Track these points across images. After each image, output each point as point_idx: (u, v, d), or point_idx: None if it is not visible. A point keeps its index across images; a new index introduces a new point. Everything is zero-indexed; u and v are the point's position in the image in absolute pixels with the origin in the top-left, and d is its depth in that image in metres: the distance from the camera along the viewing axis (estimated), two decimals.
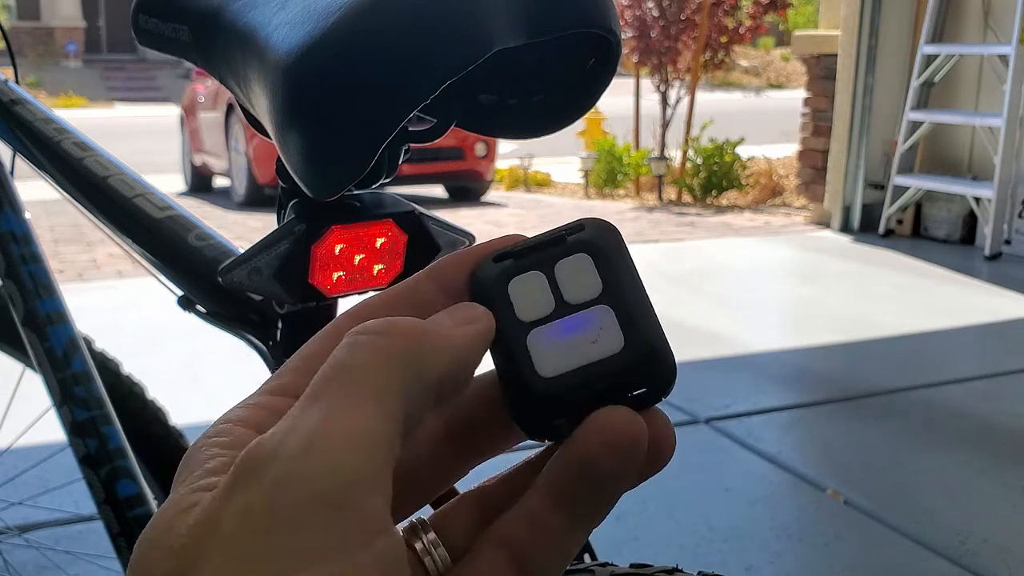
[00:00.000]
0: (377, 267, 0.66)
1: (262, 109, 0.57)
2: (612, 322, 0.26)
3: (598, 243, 0.27)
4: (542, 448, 0.27)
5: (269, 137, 0.58)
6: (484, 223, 5.57)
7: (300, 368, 0.25)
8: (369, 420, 0.21)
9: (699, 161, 7.14)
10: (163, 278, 0.83)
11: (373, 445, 0.21)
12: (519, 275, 0.26)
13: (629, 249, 0.27)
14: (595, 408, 0.24)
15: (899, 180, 4.74)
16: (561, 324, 0.26)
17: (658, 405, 0.26)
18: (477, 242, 0.75)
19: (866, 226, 4.97)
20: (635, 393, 0.25)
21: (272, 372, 0.76)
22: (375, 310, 0.26)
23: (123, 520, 0.86)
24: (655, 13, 8.16)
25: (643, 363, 0.25)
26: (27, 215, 0.94)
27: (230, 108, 7.16)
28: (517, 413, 0.26)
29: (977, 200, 4.51)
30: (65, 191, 0.89)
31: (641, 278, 0.27)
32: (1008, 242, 4.45)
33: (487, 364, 0.27)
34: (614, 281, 0.26)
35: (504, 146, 9.36)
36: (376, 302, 0.26)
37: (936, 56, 4.66)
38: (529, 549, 0.24)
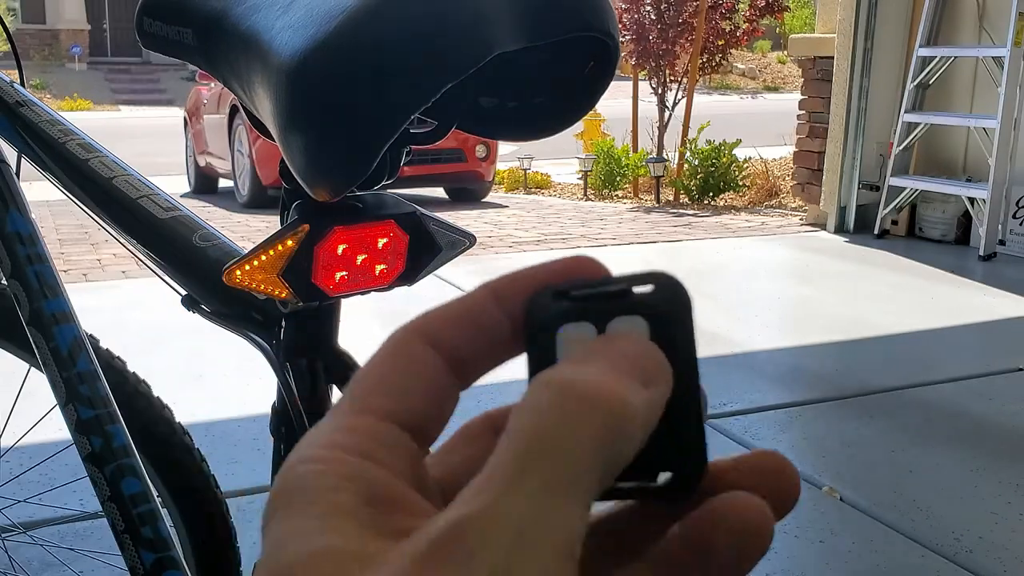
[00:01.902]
0: (379, 267, 0.67)
1: (265, 111, 0.58)
2: None
3: (661, 308, 0.24)
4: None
5: (272, 139, 0.59)
6: (484, 224, 5.57)
7: (378, 388, 0.24)
8: (575, 517, 0.20)
9: (696, 163, 7.16)
10: (167, 278, 0.85)
11: (575, 547, 0.20)
12: (570, 322, 0.24)
13: (694, 319, 0.25)
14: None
15: (894, 181, 4.75)
16: None
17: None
18: (477, 241, 0.75)
19: (861, 227, 4.99)
20: (659, 481, 0.24)
21: (276, 371, 0.78)
22: (444, 329, 0.24)
23: (128, 517, 0.87)
24: (653, 16, 8.18)
25: (675, 453, 0.24)
26: (33, 216, 0.95)
27: (234, 110, 7.17)
28: None
29: (972, 201, 4.52)
30: (70, 192, 0.91)
31: (697, 358, 0.24)
32: (1002, 242, 4.47)
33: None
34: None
35: (504, 148, 9.37)
36: (441, 320, 0.25)
37: (931, 58, 4.67)
38: None
